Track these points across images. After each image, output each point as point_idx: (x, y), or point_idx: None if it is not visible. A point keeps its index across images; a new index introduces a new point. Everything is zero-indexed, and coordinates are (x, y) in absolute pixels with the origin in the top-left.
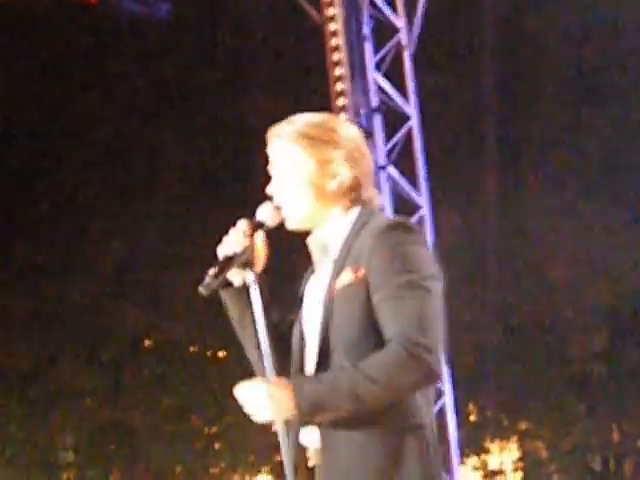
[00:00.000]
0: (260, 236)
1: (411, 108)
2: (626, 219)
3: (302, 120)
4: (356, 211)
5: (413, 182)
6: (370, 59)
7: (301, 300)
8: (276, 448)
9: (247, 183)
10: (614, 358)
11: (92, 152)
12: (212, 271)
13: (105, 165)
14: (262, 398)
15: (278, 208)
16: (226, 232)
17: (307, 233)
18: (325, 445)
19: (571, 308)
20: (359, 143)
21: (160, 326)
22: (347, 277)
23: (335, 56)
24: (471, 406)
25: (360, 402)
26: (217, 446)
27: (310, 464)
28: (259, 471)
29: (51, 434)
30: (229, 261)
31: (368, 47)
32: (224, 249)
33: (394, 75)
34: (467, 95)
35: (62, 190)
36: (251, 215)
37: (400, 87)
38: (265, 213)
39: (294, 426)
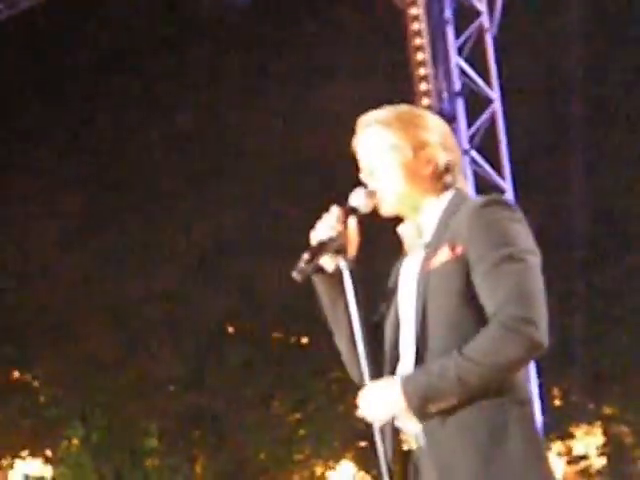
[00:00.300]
0: (353, 222)
1: (494, 92)
2: None
3: (391, 109)
4: (449, 195)
5: (496, 166)
6: (452, 43)
7: (392, 291)
8: (359, 435)
9: (327, 173)
10: None
11: (174, 137)
12: (306, 256)
13: (187, 150)
14: (376, 402)
15: (371, 194)
16: (317, 218)
17: (398, 222)
18: (427, 427)
19: None
20: (448, 131)
21: (243, 312)
22: (444, 254)
23: (417, 40)
24: (556, 391)
25: (469, 387)
26: (301, 432)
27: (406, 447)
28: (343, 457)
29: (136, 421)
30: (322, 247)
31: (450, 31)
32: (318, 234)
33: (476, 59)
34: (551, 78)
35: (144, 176)
36: (343, 202)
37: (483, 71)
38: (358, 199)
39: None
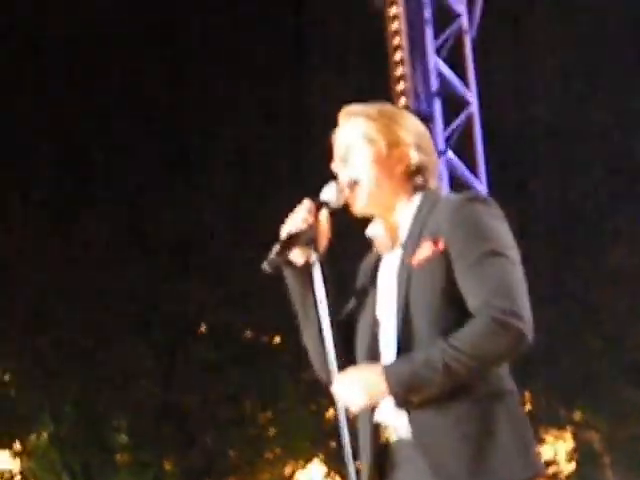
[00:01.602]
0: (324, 215)
1: (471, 94)
2: None
3: (374, 104)
4: (420, 196)
5: (472, 168)
6: (430, 43)
7: (364, 289)
8: (330, 435)
9: (301, 164)
10: None
11: (146, 127)
12: (276, 248)
13: (158, 141)
14: (355, 386)
15: (342, 189)
16: (289, 212)
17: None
18: (414, 418)
19: (630, 293)
20: (425, 132)
21: (216, 309)
22: (426, 249)
23: (395, 40)
24: (526, 394)
25: (454, 377)
26: (271, 431)
27: (384, 440)
28: (314, 457)
29: (106, 415)
30: (293, 238)
31: (429, 31)
32: (289, 226)
33: (455, 60)
34: (523, 83)
35: (114, 165)
36: (315, 195)
37: (460, 73)
38: (330, 193)
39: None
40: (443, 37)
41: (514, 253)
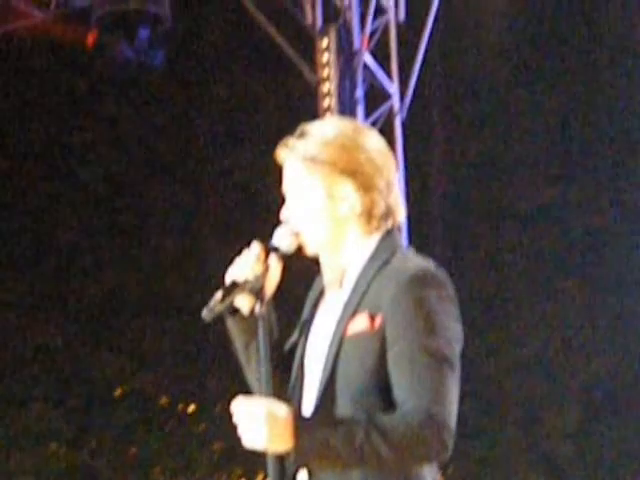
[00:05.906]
0: (274, 262)
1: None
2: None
3: (315, 137)
4: (375, 239)
5: None
6: (361, 122)
7: (307, 324)
8: None
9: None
10: (585, 439)
11: (79, 194)
12: (219, 295)
13: (90, 207)
14: (260, 425)
15: (294, 233)
16: (232, 260)
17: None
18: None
19: (543, 385)
20: (380, 152)
21: (132, 375)
22: (360, 323)
23: (327, 116)
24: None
25: (365, 462)
26: None
27: None
28: None
29: (13, 476)
30: (237, 287)
31: (360, 110)
32: (234, 273)
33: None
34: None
35: (41, 228)
36: (266, 239)
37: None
38: (281, 238)
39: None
40: (374, 116)
41: (456, 349)
